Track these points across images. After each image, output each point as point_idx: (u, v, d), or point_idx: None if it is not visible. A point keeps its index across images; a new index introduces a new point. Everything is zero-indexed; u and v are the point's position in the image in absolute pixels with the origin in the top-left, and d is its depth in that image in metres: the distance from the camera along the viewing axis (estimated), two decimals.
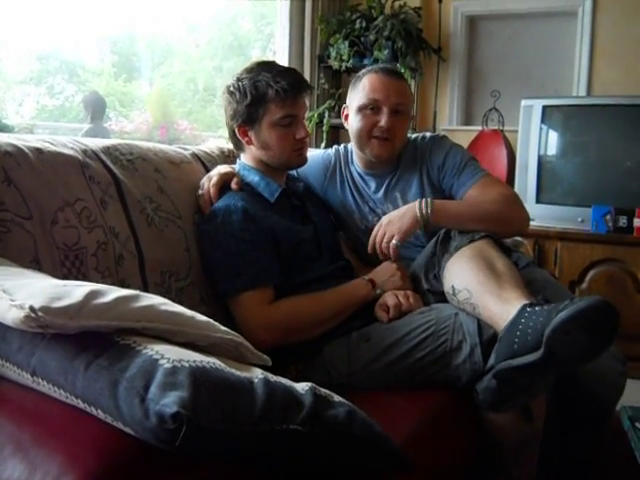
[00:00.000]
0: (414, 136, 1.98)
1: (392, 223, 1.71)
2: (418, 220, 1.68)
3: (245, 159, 1.81)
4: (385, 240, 1.69)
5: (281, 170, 1.80)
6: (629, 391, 1.69)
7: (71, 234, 1.37)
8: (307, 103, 1.75)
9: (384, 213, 1.90)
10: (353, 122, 1.89)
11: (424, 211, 1.67)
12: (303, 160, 1.79)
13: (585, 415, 1.64)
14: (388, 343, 1.52)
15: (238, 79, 1.70)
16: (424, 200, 1.70)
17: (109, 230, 1.47)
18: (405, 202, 1.89)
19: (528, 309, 1.32)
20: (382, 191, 1.93)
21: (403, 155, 1.93)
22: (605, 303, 1.25)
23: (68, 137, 1.59)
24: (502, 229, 1.71)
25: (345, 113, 1.95)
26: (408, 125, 1.93)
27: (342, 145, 2.05)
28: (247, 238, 1.61)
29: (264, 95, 1.66)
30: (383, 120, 1.83)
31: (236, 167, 1.81)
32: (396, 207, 1.89)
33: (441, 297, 1.59)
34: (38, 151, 1.41)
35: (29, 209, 1.31)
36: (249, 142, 1.74)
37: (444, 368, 1.47)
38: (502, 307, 1.39)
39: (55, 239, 1.34)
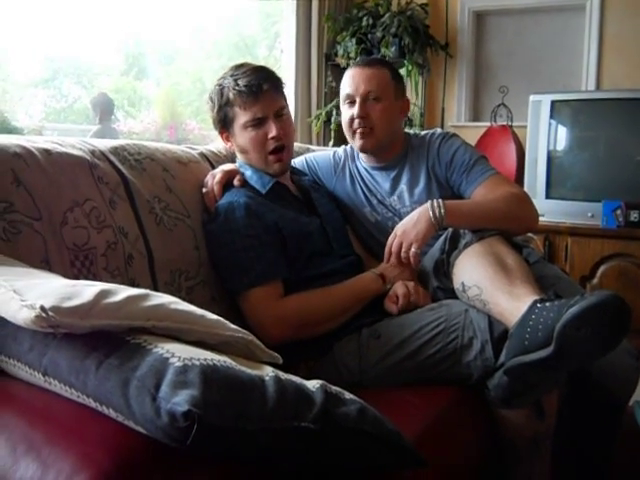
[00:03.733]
0: (424, 132, 1.98)
1: (408, 232, 1.67)
2: (433, 224, 1.65)
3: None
4: (404, 250, 1.66)
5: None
6: None
7: (81, 234, 1.38)
8: (279, 100, 1.71)
9: (392, 205, 1.90)
10: (342, 119, 1.93)
11: (437, 214, 1.64)
12: (283, 167, 1.75)
13: (598, 411, 1.63)
14: (398, 340, 1.52)
15: (215, 86, 1.71)
16: (435, 202, 1.67)
17: (118, 230, 1.47)
18: (411, 196, 1.89)
19: (539, 305, 1.31)
20: (388, 184, 1.94)
21: (411, 149, 1.93)
22: (616, 298, 1.24)
23: (76, 138, 1.59)
24: (513, 227, 1.69)
25: None
26: (391, 109, 1.88)
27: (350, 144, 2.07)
28: (251, 233, 1.60)
29: (227, 99, 1.67)
30: (355, 111, 1.85)
31: (237, 164, 1.82)
32: (402, 200, 1.90)
33: (451, 294, 1.58)
34: (47, 152, 1.41)
35: (39, 210, 1.31)
36: (232, 146, 1.76)
37: (455, 365, 1.47)
38: (513, 303, 1.38)
39: (65, 239, 1.34)
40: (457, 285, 1.54)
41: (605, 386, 1.59)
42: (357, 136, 1.87)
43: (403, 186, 1.91)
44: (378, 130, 1.86)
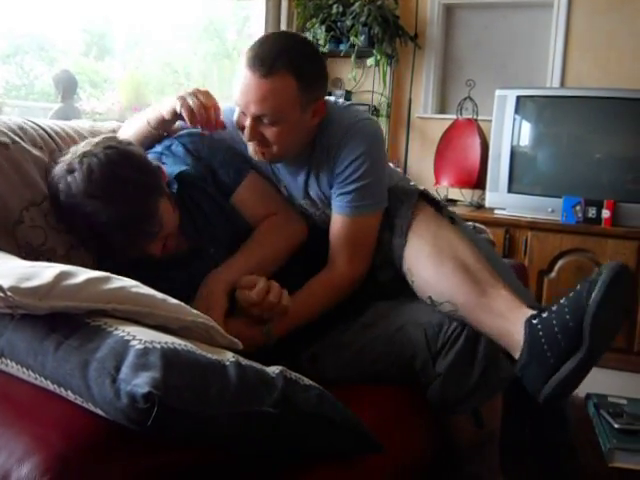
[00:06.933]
0: (347, 122, 1.53)
1: None
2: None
3: None
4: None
5: None
6: (595, 380, 1.72)
7: (37, 234, 1.33)
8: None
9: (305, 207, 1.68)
10: None
11: None
12: None
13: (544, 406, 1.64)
14: (340, 364, 1.47)
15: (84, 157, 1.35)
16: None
17: None
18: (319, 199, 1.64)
19: (534, 321, 1.27)
20: (301, 186, 1.64)
21: (320, 147, 1.56)
22: (621, 266, 1.23)
23: (41, 131, 1.52)
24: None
25: None
26: (293, 129, 1.47)
27: None
28: None
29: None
30: (246, 132, 1.47)
31: None
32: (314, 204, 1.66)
33: (395, 282, 1.53)
34: (4, 147, 1.36)
35: None
36: None
37: (401, 376, 1.43)
38: (499, 323, 1.34)
39: (17, 239, 1.29)
40: (424, 298, 1.45)
41: None
42: (251, 146, 1.51)
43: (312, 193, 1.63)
44: (277, 147, 1.49)
